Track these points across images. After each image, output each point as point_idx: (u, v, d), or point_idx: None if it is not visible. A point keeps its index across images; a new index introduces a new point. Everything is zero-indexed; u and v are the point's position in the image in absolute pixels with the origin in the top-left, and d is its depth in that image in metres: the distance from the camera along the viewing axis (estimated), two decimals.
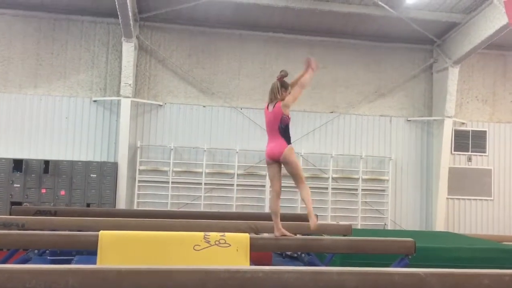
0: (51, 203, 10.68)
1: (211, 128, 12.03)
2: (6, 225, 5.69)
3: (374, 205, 12.41)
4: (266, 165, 5.19)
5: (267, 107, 5.06)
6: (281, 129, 4.95)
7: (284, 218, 8.11)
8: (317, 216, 5.26)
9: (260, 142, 11.99)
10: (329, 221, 11.40)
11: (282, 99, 4.95)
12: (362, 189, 12.32)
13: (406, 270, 3.66)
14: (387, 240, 5.44)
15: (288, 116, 4.96)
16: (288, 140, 4.97)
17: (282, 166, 5.03)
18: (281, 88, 5.00)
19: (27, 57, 11.49)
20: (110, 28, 11.77)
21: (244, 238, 4.68)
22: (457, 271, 3.55)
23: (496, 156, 12.96)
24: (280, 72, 5.08)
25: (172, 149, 11.71)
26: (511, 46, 12.78)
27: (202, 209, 11.51)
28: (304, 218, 7.91)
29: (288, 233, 5.05)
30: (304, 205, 10.90)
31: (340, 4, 11.03)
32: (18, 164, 10.80)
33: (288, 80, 5.09)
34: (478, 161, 12.92)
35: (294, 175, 5.01)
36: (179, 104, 11.97)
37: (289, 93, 4.99)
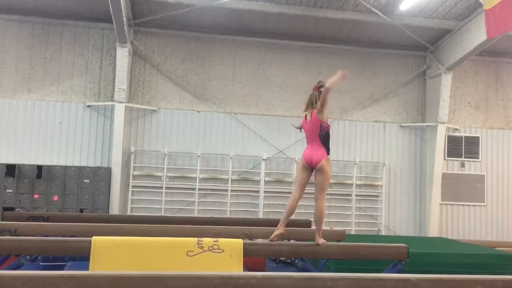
0: (44, 209, 10.62)
1: (205, 133, 12.03)
2: None
3: (368, 211, 12.43)
4: (297, 168, 5.21)
5: (305, 117, 5.19)
6: (321, 136, 5.05)
7: (276, 223, 8.11)
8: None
9: (254, 148, 12.04)
10: (323, 227, 11.38)
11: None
12: (356, 195, 12.34)
13: (399, 276, 3.67)
14: (380, 246, 5.45)
15: (327, 123, 5.07)
16: (328, 150, 5.07)
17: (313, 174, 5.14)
18: (319, 97, 5.09)
19: (20, 62, 11.46)
20: (104, 33, 11.76)
21: (237, 244, 4.67)
22: (450, 276, 3.57)
23: (489, 162, 13.03)
24: (318, 82, 5.20)
25: (166, 154, 11.69)
26: (503, 52, 12.88)
27: (196, 214, 11.47)
28: (298, 223, 7.92)
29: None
30: (299, 211, 10.81)
31: (334, 11, 11.08)
32: (10, 169, 10.74)
33: None
34: (471, 167, 12.98)
35: (321, 185, 5.11)
36: (173, 109, 11.97)
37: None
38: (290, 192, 11.90)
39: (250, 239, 6.17)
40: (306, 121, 5.17)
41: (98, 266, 4.33)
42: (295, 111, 12.29)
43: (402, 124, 12.83)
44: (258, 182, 11.99)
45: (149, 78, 11.96)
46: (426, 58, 12.91)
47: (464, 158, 12.92)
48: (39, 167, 10.85)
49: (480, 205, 12.92)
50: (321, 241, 5.12)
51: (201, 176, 11.82)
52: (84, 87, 11.66)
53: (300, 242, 5.38)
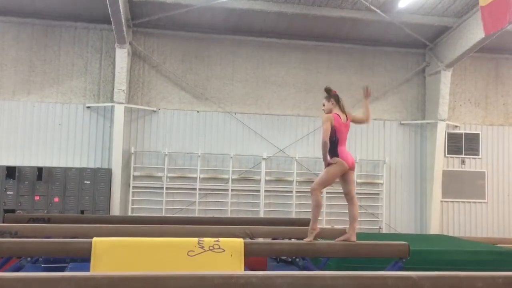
0: (45, 210, 10.62)
1: (205, 133, 12.03)
2: None
3: (369, 209, 12.42)
4: (342, 174, 5.45)
5: (340, 117, 5.38)
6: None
7: (277, 222, 8.12)
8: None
9: (254, 147, 12.03)
10: (324, 225, 11.40)
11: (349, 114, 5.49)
12: (356, 193, 12.25)
13: (400, 273, 3.67)
14: (381, 244, 5.44)
15: None
16: None
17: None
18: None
19: (20, 63, 11.46)
20: (103, 34, 11.76)
21: (238, 243, 4.66)
22: (451, 273, 3.56)
23: (490, 159, 13.02)
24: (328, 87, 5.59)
25: (166, 154, 11.68)
26: (502, 49, 12.86)
27: (196, 214, 11.47)
28: (299, 222, 7.92)
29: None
30: (300, 209, 10.79)
31: (333, 9, 11.08)
32: (11, 171, 10.73)
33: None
34: (472, 164, 12.98)
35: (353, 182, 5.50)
36: (173, 109, 11.96)
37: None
38: (290, 191, 12.01)
39: (251, 239, 6.17)
40: (343, 122, 5.36)
41: (99, 267, 4.33)
42: (294, 110, 12.30)
43: (402, 122, 12.82)
44: (258, 181, 11.98)
45: (149, 78, 11.95)
46: (425, 55, 12.90)
47: (465, 155, 12.92)
48: (40, 169, 10.84)
49: (481, 202, 12.91)
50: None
51: (202, 176, 11.81)
52: (83, 89, 11.66)
53: (300, 241, 5.37)
